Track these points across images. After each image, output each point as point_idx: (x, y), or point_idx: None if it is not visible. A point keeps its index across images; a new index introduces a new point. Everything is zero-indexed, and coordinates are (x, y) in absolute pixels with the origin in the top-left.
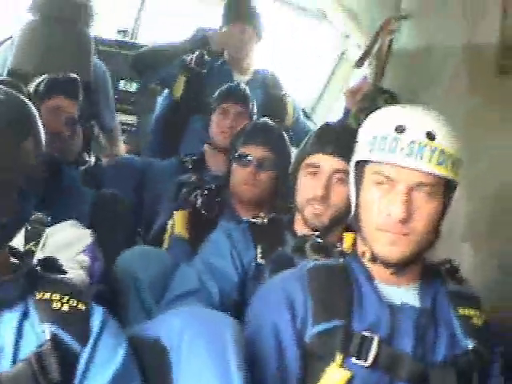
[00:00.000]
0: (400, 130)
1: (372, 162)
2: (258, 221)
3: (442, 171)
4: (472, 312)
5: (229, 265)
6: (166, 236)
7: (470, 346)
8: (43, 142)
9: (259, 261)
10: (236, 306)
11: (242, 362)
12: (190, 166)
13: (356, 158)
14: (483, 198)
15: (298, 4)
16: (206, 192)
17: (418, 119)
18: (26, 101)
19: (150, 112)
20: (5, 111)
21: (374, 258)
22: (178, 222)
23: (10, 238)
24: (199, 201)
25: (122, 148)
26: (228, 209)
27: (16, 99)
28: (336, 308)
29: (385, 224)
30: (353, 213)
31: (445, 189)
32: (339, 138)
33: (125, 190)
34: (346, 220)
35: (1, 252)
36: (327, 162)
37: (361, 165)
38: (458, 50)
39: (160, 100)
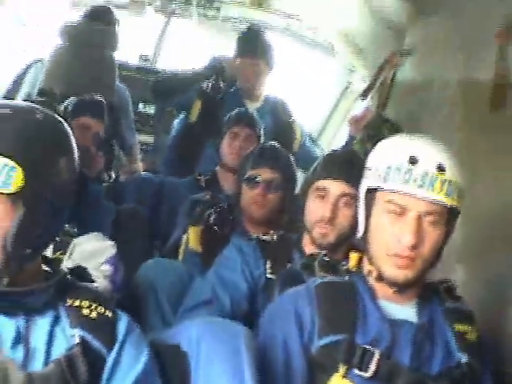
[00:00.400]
0: (413, 161)
1: (384, 189)
2: (268, 238)
3: (449, 201)
4: (466, 328)
5: (240, 278)
6: (181, 250)
7: (464, 360)
8: (76, 159)
9: (268, 275)
10: (246, 315)
11: (255, 369)
12: (204, 185)
13: (368, 184)
14: (477, 223)
15: (308, 39)
16: (218, 210)
17: (428, 151)
18: (62, 120)
19: (167, 133)
20: (42, 130)
21: (380, 278)
22: (192, 237)
23: (44, 248)
24: (212, 218)
25: (139, 165)
26: (239, 226)
27: (52, 119)
28: (341, 323)
29: (395, 249)
30: (361, 235)
31: (448, 216)
32: (346, 165)
33: (143, 205)
34: (350, 239)
35: (35, 261)
36: (335, 187)
37: (372, 191)
38: (455, 85)
39: (176, 123)
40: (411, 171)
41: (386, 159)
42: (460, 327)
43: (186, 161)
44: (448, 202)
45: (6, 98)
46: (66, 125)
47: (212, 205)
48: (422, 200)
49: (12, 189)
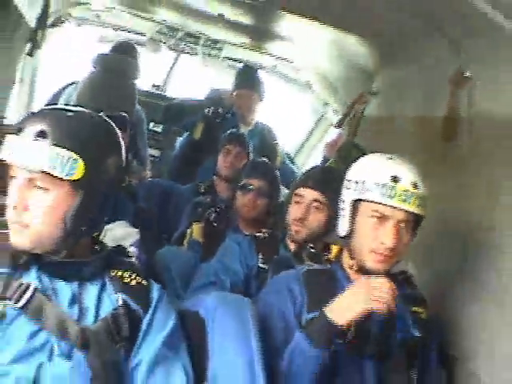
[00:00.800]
0: (395, 180)
1: (370, 201)
2: (260, 235)
3: (420, 211)
4: (420, 309)
5: (238, 265)
6: (185, 241)
7: (417, 334)
8: (124, 157)
9: (260, 265)
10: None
11: (258, 332)
12: (203, 190)
13: (355, 196)
14: (424, 229)
15: (291, 77)
16: (217, 210)
17: (406, 171)
18: (112, 124)
19: (171, 148)
20: (99, 130)
21: (361, 270)
22: (195, 231)
23: (95, 228)
24: (212, 216)
25: (148, 173)
26: (233, 224)
27: (105, 122)
28: (323, 301)
29: (378, 249)
30: (344, 234)
31: (415, 222)
32: (320, 177)
33: (153, 205)
34: (321, 237)
35: (87, 238)
36: (308, 194)
37: (358, 201)
38: (413, 119)
39: (180, 140)
40: (395, 188)
41: (372, 176)
42: (415, 309)
43: (188, 171)
44: (419, 212)
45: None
46: (115, 127)
47: (211, 206)
48: (400, 210)
49: (74, 177)
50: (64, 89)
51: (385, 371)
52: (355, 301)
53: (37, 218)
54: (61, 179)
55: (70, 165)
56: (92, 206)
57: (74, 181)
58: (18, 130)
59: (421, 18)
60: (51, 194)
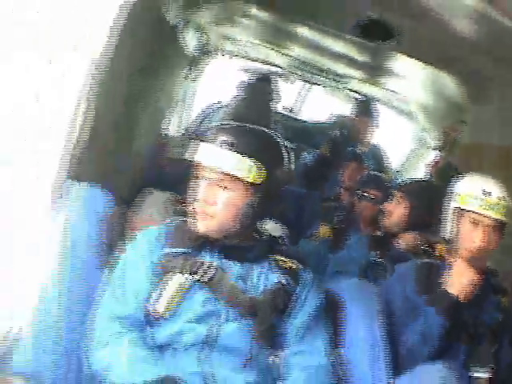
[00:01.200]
0: (486, 193)
1: (469, 210)
2: (376, 234)
3: (505, 219)
4: (503, 298)
5: (361, 257)
6: (316, 238)
7: (499, 319)
8: (286, 170)
9: (376, 259)
10: None
11: (380, 312)
12: (332, 198)
13: (457, 205)
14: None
15: (397, 107)
16: (342, 214)
17: (494, 187)
18: (278, 139)
19: (299, 162)
20: (271, 143)
21: None
22: (324, 231)
23: (259, 221)
24: (339, 219)
25: None
26: (354, 225)
27: (274, 137)
28: (431, 289)
29: (471, 248)
30: (447, 236)
31: (500, 227)
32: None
33: (288, 208)
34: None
35: (252, 228)
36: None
37: (460, 209)
38: (497, 148)
39: (308, 155)
40: (485, 200)
41: (469, 190)
42: (499, 296)
43: (317, 182)
44: (504, 219)
45: (199, 122)
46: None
47: (337, 210)
48: (489, 217)
49: (251, 179)
50: (211, 107)
51: (472, 350)
52: (461, 275)
53: (219, 211)
54: (242, 182)
55: (252, 170)
56: (262, 205)
57: (252, 184)
58: (203, 139)
59: (500, 64)
60: (233, 194)
